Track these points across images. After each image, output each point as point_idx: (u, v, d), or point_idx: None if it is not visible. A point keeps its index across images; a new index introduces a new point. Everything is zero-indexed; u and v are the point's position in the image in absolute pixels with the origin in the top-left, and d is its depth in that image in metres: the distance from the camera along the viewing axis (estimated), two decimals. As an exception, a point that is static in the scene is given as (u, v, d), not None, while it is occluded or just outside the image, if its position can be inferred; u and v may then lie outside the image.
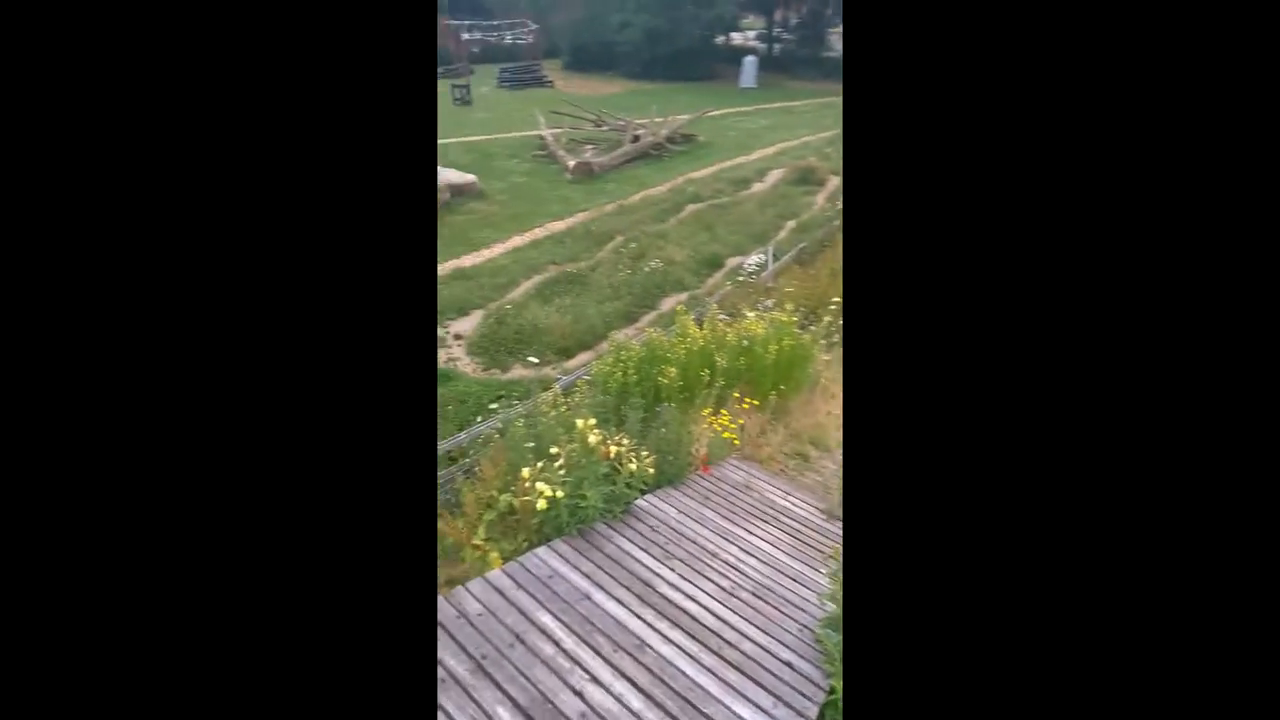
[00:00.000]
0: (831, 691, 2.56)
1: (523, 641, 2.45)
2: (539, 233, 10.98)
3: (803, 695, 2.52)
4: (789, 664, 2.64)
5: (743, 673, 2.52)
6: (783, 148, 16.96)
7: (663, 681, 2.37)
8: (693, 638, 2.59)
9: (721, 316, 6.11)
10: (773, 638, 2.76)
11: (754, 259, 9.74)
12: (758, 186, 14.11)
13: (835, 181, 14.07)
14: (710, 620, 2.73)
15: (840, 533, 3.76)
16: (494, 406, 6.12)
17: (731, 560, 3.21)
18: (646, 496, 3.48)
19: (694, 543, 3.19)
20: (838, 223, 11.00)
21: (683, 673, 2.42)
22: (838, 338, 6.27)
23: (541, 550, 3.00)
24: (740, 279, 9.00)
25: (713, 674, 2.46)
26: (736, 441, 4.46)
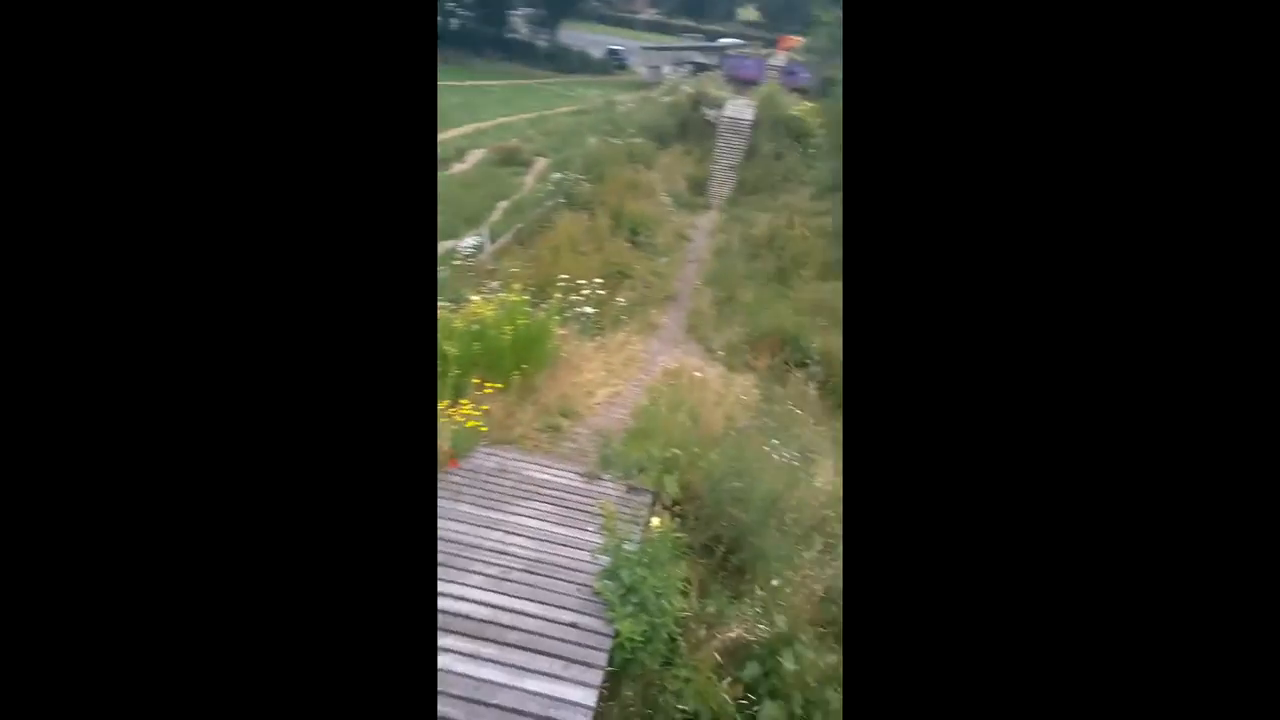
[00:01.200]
0: (617, 634, 2.66)
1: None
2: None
3: (590, 648, 2.61)
4: (572, 625, 2.71)
5: (528, 650, 2.57)
6: (479, 128, 16.02)
7: (444, 692, 2.30)
8: (469, 637, 2.57)
9: (444, 303, 5.88)
10: (552, 606, 2.81)
11: (470, 241, 9.28)
12: (458, 167, 13.26)
13: (542, 163, 13.23)
14: (484, 613, 2.73)
15: (602, 491, 3.86)
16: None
17: (496, 547, 3.19)
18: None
19: (453, 542, 3.12)
20: (551, 203, 10.60)
21: (464, 676, 2.40)
22: (571, 312, 6.21)
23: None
24: (457, 262, 8.63)
25: (496, 664, 2.49)
26: (484, 429, 4.34)
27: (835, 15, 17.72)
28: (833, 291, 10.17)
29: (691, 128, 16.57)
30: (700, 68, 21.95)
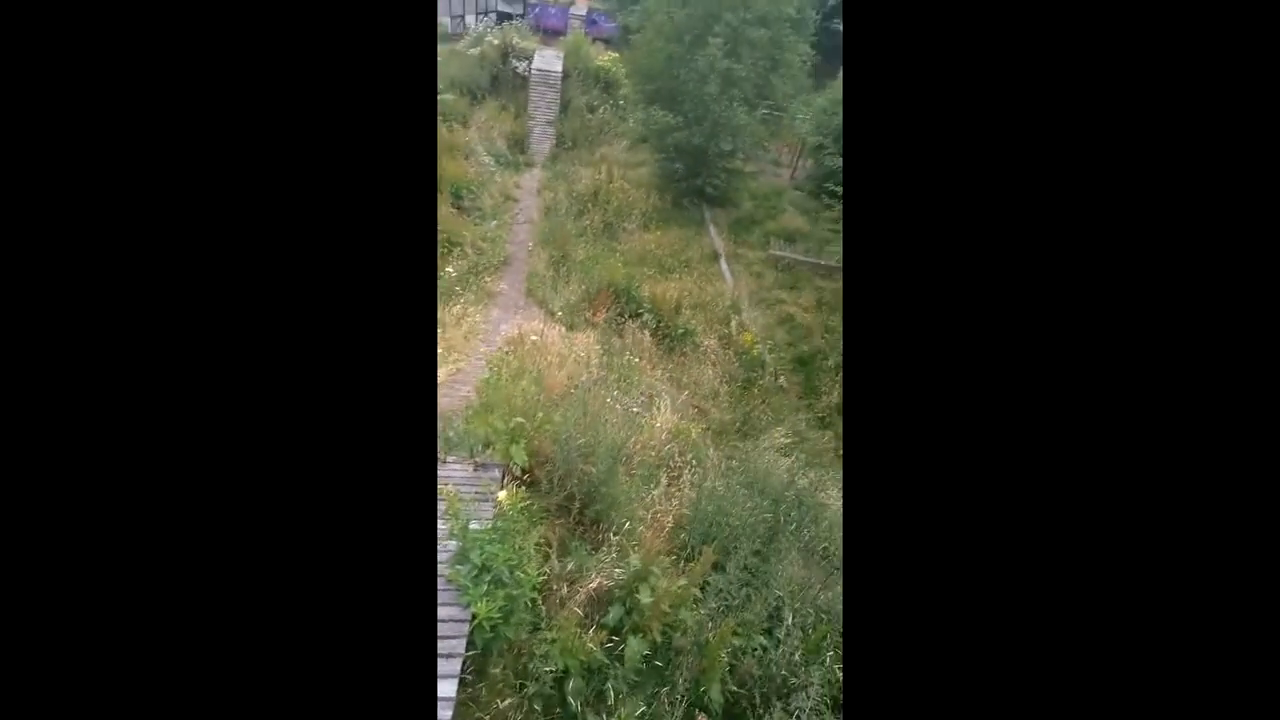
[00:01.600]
0: (474, 618, 2.72)
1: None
2: None
3: (447, 638, 2.64)
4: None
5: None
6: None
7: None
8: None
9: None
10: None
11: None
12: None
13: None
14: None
15: (448, 474, 3.89)
16: None
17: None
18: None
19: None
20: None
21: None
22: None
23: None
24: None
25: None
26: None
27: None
28: (655, 242, 10.60)
29: (503, 81, 15.75)
30: (504, 17, 20.77)
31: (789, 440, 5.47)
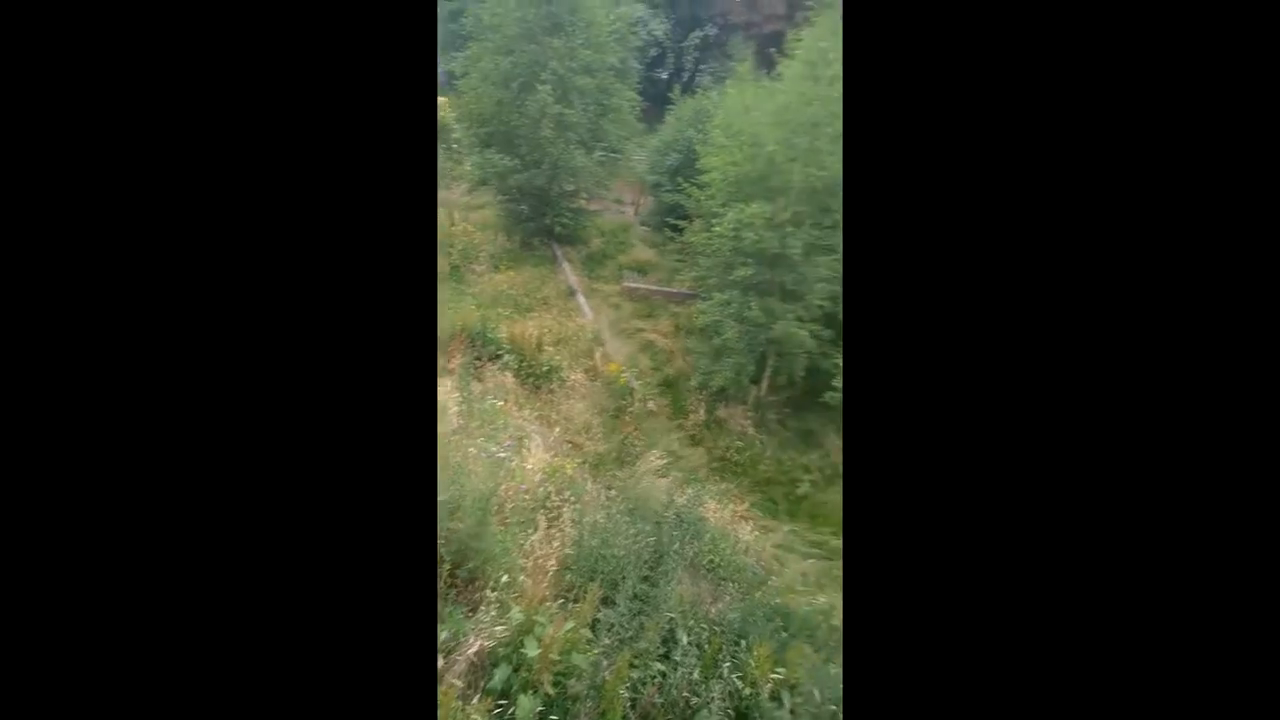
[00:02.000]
0: None
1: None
2: None
3: None
4: None
5: None
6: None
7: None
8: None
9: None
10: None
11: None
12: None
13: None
14: None
15: None
16: None
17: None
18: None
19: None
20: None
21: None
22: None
23: None
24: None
25: None
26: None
27: (447, 9, 17.67)
28: (507, 282, 10.45)
29: (319, 130, 14.75)
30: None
31: (665, 461, 5.54)
